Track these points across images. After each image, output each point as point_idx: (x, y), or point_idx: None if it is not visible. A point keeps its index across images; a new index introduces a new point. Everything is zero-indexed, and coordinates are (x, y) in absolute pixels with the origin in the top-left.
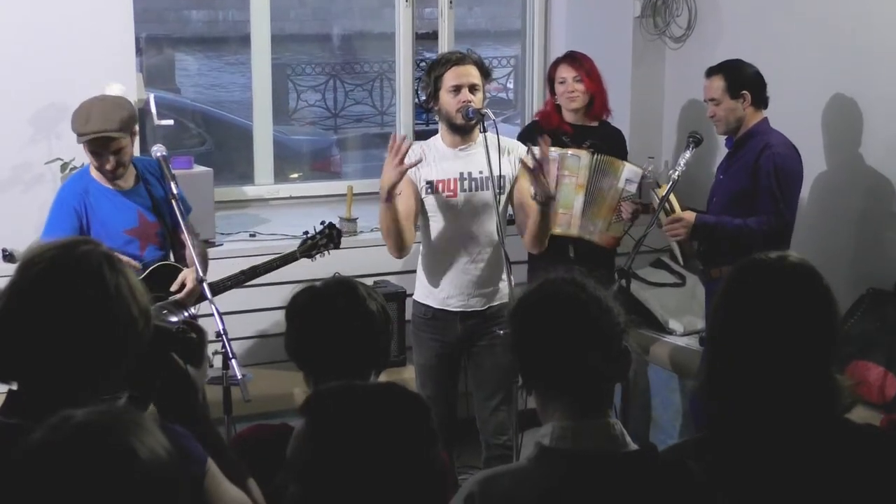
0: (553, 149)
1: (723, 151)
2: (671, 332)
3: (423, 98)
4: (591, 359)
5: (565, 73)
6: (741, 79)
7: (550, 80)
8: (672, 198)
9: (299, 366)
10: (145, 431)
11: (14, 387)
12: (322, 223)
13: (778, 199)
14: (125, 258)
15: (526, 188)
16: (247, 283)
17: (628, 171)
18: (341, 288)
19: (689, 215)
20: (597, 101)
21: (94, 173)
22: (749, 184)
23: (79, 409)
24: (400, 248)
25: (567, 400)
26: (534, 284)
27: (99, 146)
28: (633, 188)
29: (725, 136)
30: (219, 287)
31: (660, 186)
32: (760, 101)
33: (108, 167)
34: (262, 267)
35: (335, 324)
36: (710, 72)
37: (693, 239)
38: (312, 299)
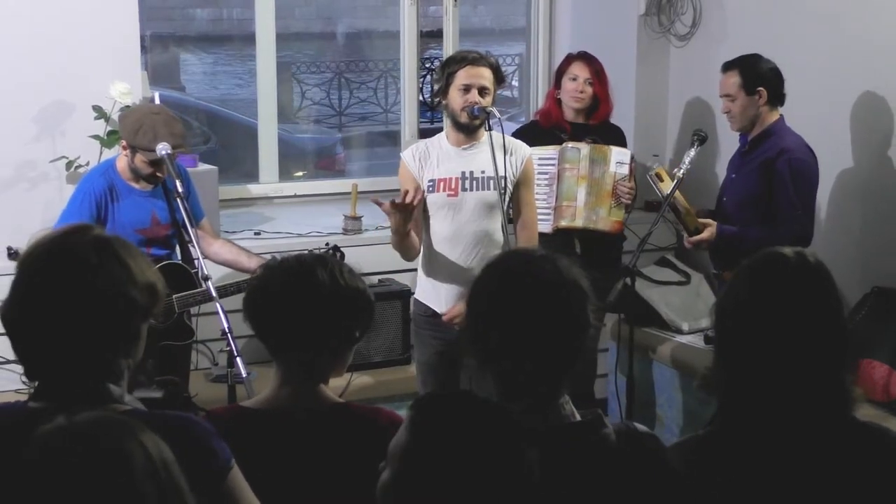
0: (552, 148)
1: (727, 150)
2: (676, 331)
3: (433, 91)
4: (533, 334)
5: (578, 71)
6: (757, 75)
7: (559, 73)
8: (679, 196)
9: (258, 337)
10: (140, 437)
11: None
12: (326, 245)
13: (797, 207)
14: None
15: (526, 198)
16: None
17: (617, 154)
18: (298, 266)
19: (710, 232)
20: (601, 105)
21: (121, 170)
22: (764, 187)
23: (99, 390)
24: (411, 258)
25: (511, 381)
26: (491, 259)
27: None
28: (624, 170)
29: (739, 133)
30: (222, 291)
31: (661, 180)
32: (776, 98)
33: (159, 174)
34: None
35: (284, 300)
36: (726, 66)
37: (715, 247)
38: (268, 275)
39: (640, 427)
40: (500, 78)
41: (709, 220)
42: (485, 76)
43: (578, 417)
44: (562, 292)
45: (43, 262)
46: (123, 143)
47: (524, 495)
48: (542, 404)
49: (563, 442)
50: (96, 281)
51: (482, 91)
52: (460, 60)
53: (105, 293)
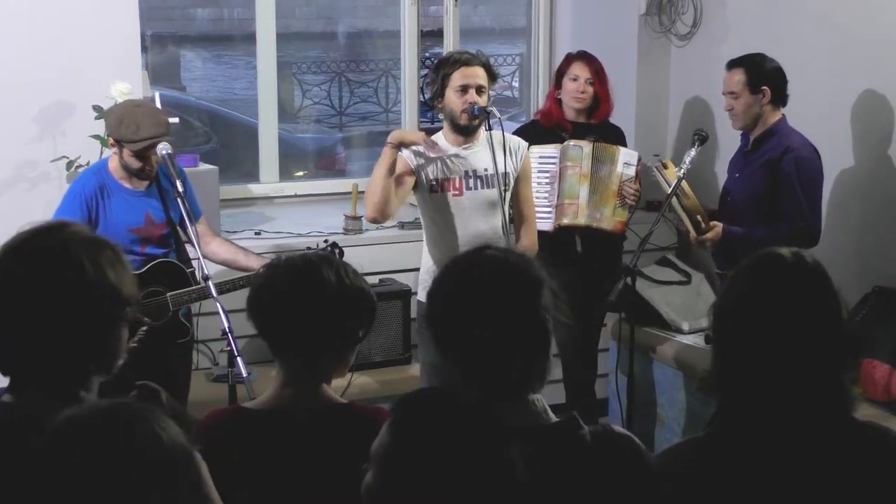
0: (553, 146)
1: (727, 149)
2: (677, 330)
3: (429, 95)
4: (497, 330)
5: (579, 71)
6: (763, 74)
7: (560, 73)
8: (690, 192)
9: (262, 336)
10: (154, 421)
11: None
12: (325, 241)
13: (803, 206)
14: None
15: (524, 195)
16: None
17: (624, 155)
18: (304, 265)
19: (716, 232)
20: (602, 105)
21: (113, 170)
22: (768, 186)
23: (66, 391)
24: (381, 211)
25: (480, 378)
26: (453, 258)
27: (149, 150)
28: (631, 171)
29: (741, 132)
30: (221, 288)
31: (666, 167)
32: (780, 98)
33: (148, 169)
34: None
35: (290, 299)
36: (731, 64)
37: (721, 247)
38: (274, 273)
39: (617, 428)
40: (493, 76)
41: (715, 222)
42: (479, 75)
43: (552, 415)
44: (521, 285)
45: (8, 259)
46: (111, 140)
47: (506, 495)
48: (509, 399)
49: (539, 443)
50: (56, 283)
51: (479, 90)
52: (454, 62)
53: (64, 295)
